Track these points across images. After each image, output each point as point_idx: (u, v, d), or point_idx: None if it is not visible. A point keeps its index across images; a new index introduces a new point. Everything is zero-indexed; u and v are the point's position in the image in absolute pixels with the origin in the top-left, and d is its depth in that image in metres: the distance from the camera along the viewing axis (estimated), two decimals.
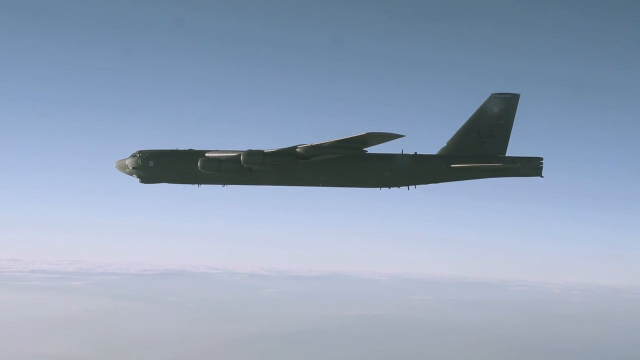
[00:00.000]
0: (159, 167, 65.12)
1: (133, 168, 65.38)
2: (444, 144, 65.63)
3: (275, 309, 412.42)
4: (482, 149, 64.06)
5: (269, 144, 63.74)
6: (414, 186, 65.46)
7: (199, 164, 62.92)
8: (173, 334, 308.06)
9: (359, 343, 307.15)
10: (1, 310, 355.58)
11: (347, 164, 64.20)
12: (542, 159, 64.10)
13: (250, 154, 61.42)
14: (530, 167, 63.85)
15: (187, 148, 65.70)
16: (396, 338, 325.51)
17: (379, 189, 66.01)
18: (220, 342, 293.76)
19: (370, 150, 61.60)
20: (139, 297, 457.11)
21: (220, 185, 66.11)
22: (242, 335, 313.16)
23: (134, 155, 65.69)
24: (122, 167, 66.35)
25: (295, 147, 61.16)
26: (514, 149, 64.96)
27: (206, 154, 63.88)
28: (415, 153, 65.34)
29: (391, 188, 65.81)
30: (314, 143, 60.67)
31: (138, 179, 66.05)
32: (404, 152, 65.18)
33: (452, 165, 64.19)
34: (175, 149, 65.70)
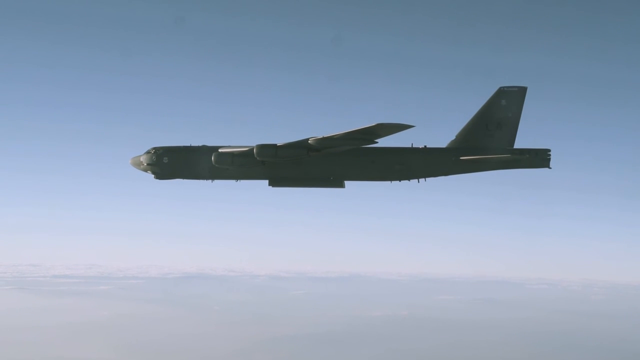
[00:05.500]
0: (173, 163, 65.46)
1: (148, 164, 65.95)
2: (453, 137, 66.67)
3: (303, 311, 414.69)
4: (491, 142, 65.05)
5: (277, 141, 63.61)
6: (423, 179, 66.19)
7: (212, 158, 63.42)
8: (203, 338, 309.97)
9: (387, 343, 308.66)
10: (33, 316, 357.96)
11: (358, 157, 65.04)
12: (549, 150, 65.07)
13: (263, 147, 62.04)
14: (539, 158, 64.80)
15: (200, 144, 66.21)
16: (423, 337, 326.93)
17: (389, 182, 66.84)
18: (251, 344, 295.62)
19: (381, 144, 62.26)
20: (165, 300, 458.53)
21: (234, 181, 66.75)
22: (273, 336, 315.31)
23: (148, 152, 66.14)
24: (137, 164, 66.97)
25: (307, 139, 61.80)
26: (521, 142, 65.91)
27: (219, 150, 64.63)
28: (425, 146, 66.50)
29: (402, 181, 66.48)
30: (326, 135, 61.31)
31: (153, 175, 66.76)
32: (413, 146, 66.25)
33: (461, 158, 65.16)
34: (188, 145, 66.32)
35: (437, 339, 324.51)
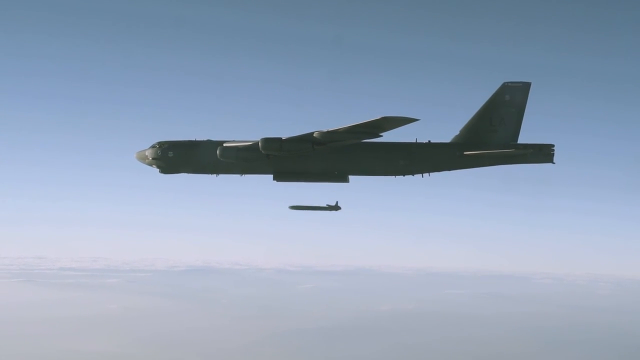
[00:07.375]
0: (178, 157, 65.78)
1: (153, 159, 66.47)
2: (457, 133, 67.02)
3: (310, 304, 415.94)
4: (495, 137, 65.31)
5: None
6: (427, 174, 66.42)
7: (218, 152, 63.67)
8: (213, 331, 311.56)
9: (394, 337, 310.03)
10: (42, 308, 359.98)
11: (362, 152, 65.52)
12: (553, 145, 65.46)
13: (268, 140, 62.34)
14: (542, 153, 65.18)
15: (205, 139, 66.60)
16: (430, 331, 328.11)
17: (393, 176, 67.31)
18: (259, 338, 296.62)
19: (385, 139, 62.71)
20: (173, 294, 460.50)
21: (238, 175, 67.11)
22: (281, 330, 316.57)
23: (153, 146, 66.41)
24: (142, 158, 67.44)
25: (313, 133, 62.24)
26: (525, 137, 66.37)
27: (224, 144, 64.93)
28: (429, 141, 66.91)
29: (406, 176, 66.88)
30: (331, 129, 61.58)
31: (158, 169, 67.20)
32: (417, 141, 66.59)
33: (465, 153, 65.48)
34: (193, 139, 66.66)
35: (443, 333, 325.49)
